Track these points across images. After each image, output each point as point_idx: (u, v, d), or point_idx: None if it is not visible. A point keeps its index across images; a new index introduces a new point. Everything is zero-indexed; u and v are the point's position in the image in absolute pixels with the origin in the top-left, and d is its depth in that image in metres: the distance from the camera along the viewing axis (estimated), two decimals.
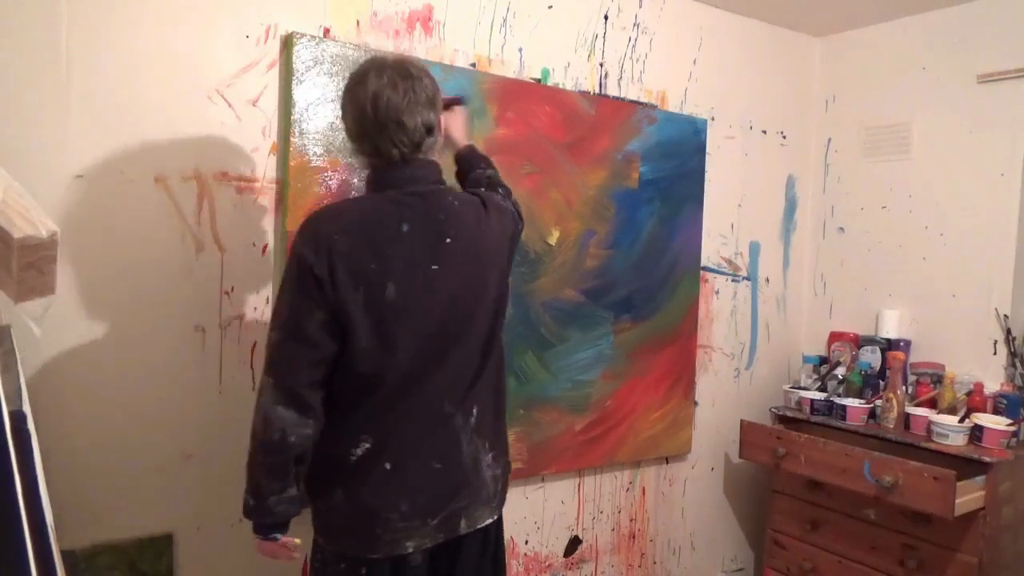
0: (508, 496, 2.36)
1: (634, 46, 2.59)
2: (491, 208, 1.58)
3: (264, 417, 1.41)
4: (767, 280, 3.03)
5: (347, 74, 1.92)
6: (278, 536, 1.50)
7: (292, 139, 1.89)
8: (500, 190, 1.71)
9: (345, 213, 1.47)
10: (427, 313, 1.45)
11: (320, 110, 1.92)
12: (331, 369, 1.43)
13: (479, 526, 1.58)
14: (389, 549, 1.48)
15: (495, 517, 1.63)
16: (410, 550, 1.49)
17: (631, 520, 2.71)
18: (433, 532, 1.51)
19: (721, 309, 2.89)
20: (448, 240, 1.47)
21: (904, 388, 2.56)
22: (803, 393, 2.76)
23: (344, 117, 1.51)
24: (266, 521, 1.46)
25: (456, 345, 1.50)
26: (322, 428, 1.47)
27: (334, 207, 1.53)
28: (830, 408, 2.66)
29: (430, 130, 1.49)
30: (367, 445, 1.46)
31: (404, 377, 1.45)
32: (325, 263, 1.37)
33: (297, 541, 1.52)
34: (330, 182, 1.95)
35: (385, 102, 1.43)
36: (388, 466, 1.47)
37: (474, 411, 1.55)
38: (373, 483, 1.47)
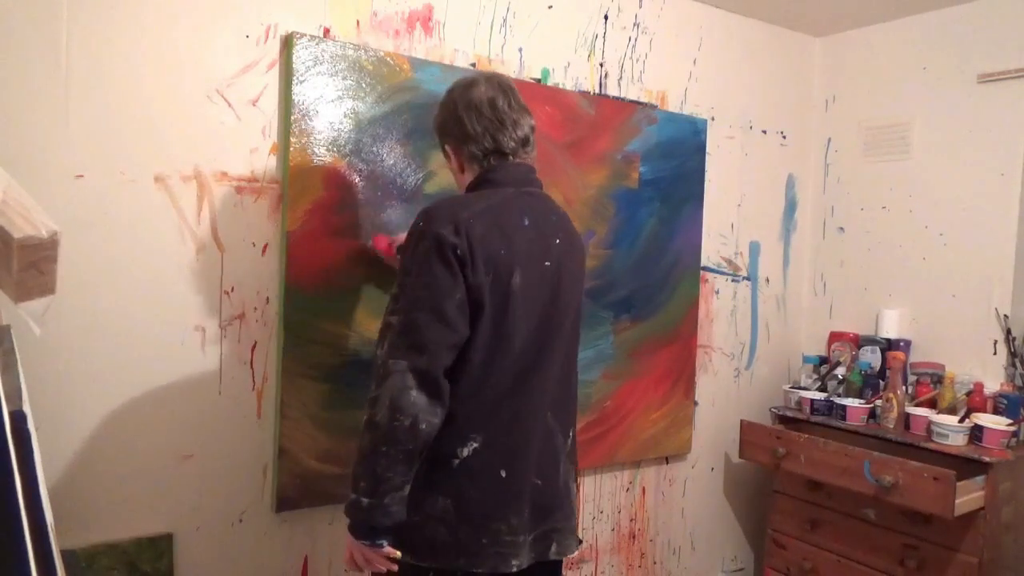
0: None
1: (634, 46, 2.59)
2: (574, 231, 1.65)
3: (393, 403, 1.32)
4: (767, 280, 3.03)
5: (347, 74, 1.95)
6: (384, 543, 1.38)
7: (292, 139, 1.89)
8: None
9: (472, 201, 1.47)
10: (537, 308, 1.47)
11: (320, 110, 1.92)
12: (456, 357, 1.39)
13: (566, 555, 1.54)
14: (494, 564, 1.39)
15: (574, 552, 1.58)
16: (514, 568, 1.42)
17: (631, 520, 2.71)
18: (527, 551, 1.45)
19: (721, 309, 2.89)
20: (558, 241, 1.52)
21: (904, 388, 2.56)
22: (803, 393, 2.76)
23: (449, 119, 1.56)
24: (380, 523, 1.35)
25: (551, 350, 1.50)
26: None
27: (456, 198, 1.54)
28: (830, 408, 2.66)
29: (530, 135, 1.59)
30: (475, 444, 1.41)
31: (514, 373, 1.44)
32: (466, 243, 1.37)
33: (398, 553, 1.40)
34: (330, 182, 1.95)
35: (501, 103, 1.54)
36: (503, 473, 1.42)
37: (571, 434, 1.58)
38: (483, 487, 1.40)
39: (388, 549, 1.39)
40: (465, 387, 1.41)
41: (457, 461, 1.40)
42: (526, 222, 1.48)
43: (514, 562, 1.42)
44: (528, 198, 1.53)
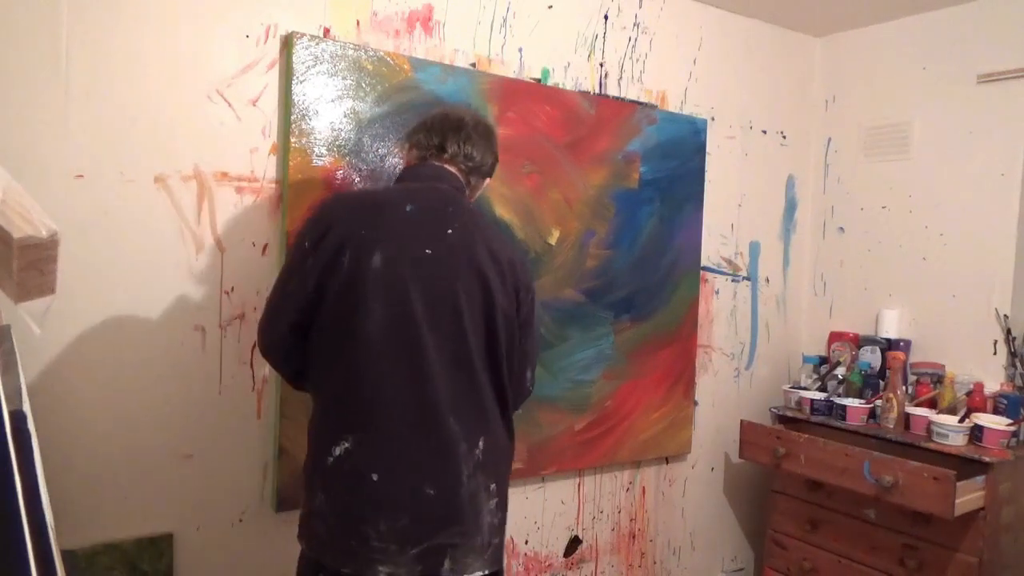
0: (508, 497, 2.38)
1: (634, 46, 2.59)
2: (514, 250, 1.61)
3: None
4: (767, 280, 3.03)
5: (347, 74, 1.95)
6: None
7: (292, 139, 1.89)
8: None
9: (348, 194, 1.57)
10: (410, 295, 1.41)
11: (320, 110, 1.92)
12: (300, 340, 1.48)
13: (465, 575, 1.45)
14: (359, 567, 1.39)
15: (487, 571, 1.49)
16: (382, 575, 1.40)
17: (631, 520, 2.71)
18: (411, 563, 1.40)
19: (721, 309, 2.89)
20: (449, 231, 1.47)
21: (904, 388, 2.56)
22: (803, 393, 2.76)
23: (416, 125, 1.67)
24: None
25: (448, 348, 1.44)
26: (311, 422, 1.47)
27: (351, 190, 1.63)
28: (830, 408, 2.66)
29: (477, 157, 1.60)
30: (347, 445, 1.40)
31: (382, 362, 1.40)
32: (324, 226, 1.45)
33: None
34: (330, 182, 1.95)
35: (460, 115, 1.64)
36: (375, 476, 1.39)
37: (481, 443, 1.47)
38: (353, 490, 1.40)
39: None
40: (332, 377, 1.45)
41: (331, 459, 1.42)
42: (408, 208, 1.47)
43: (381, 569, 1.38)
44: (424, 189, 1.54)
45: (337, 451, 1.41)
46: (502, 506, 1.53)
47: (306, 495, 1.48)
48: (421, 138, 1.62)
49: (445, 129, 1.60)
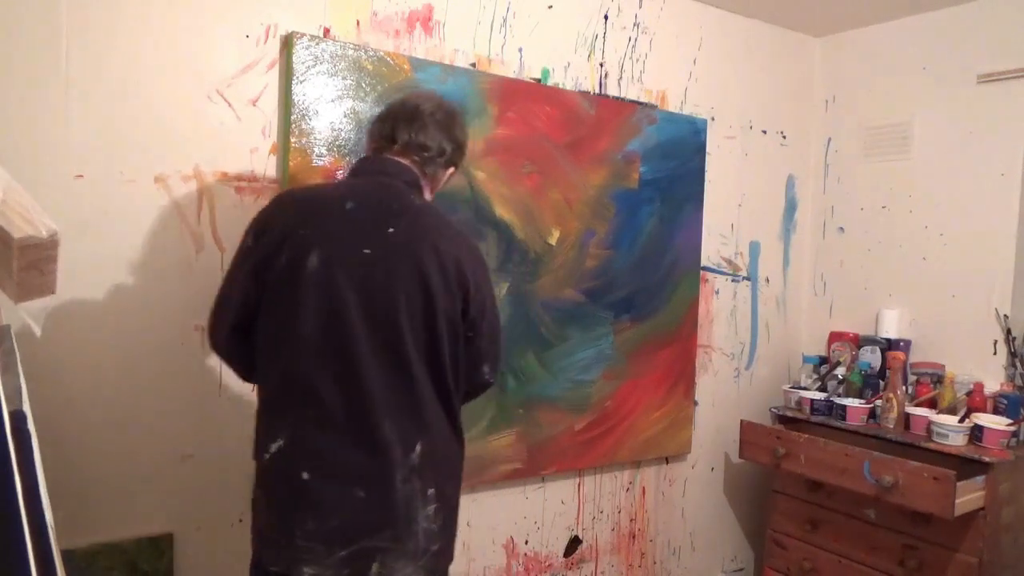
0: (507, 497, 2.38)
1: (634, 46, 2.59)
2: (464, 247, 1.52)
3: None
4: (767, 280, 3.03)
5: (347, 74, 1.95)
6: None
7: (292, 139, 1.89)
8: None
9: (297, 190, 1.57)
10: (346, 297, 1.38)
11: (320, 110, 1.92)
12: (246, 333, 1.47)
13: None
14: (286, 566, 1.37)
15: None
16: None
17: (631, 520, 2.71)
18: (338, 566, 1.36)
19: (721, 309, 2.89)
20: (391, 230, 1.42)
21: (904, 388, 2.56)
22: (803, 393, 2.76)
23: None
24: None
25: (385, 351, 1.40)
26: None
27: (301, 186, 1.62)
28: (830, 408, 2.66)
29: (432, 146, 1.54)
30: (280, 443, 1.39)
31: (316, 363, 1.38)
32: (263, 223, 1.45)
33: None
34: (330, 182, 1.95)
35: (417, 103, 1.57)
36: (306, 475, 1.37)
37: (418, 447, 1.42)
38: (283, 487, 1.39)
39: None
40: (271, 380, 1.44)
41: (267, 456, 1.41)
42: (348, 206, 1.43)
43: (307, 570, 1.36)
44: (367, 185, 1.49)
45: (272, 448, 1.39)
46: (444, 512, 1.48)
47: (253, 495, 1.48)
48: (375, 128, 1.59)
49: (398, 118, 1.54)
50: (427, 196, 1.58)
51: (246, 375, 1.59)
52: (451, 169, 1.63)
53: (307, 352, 1.38)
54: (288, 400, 1.40)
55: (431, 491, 1.44)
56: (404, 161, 1.53)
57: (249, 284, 1.43)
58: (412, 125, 1.53)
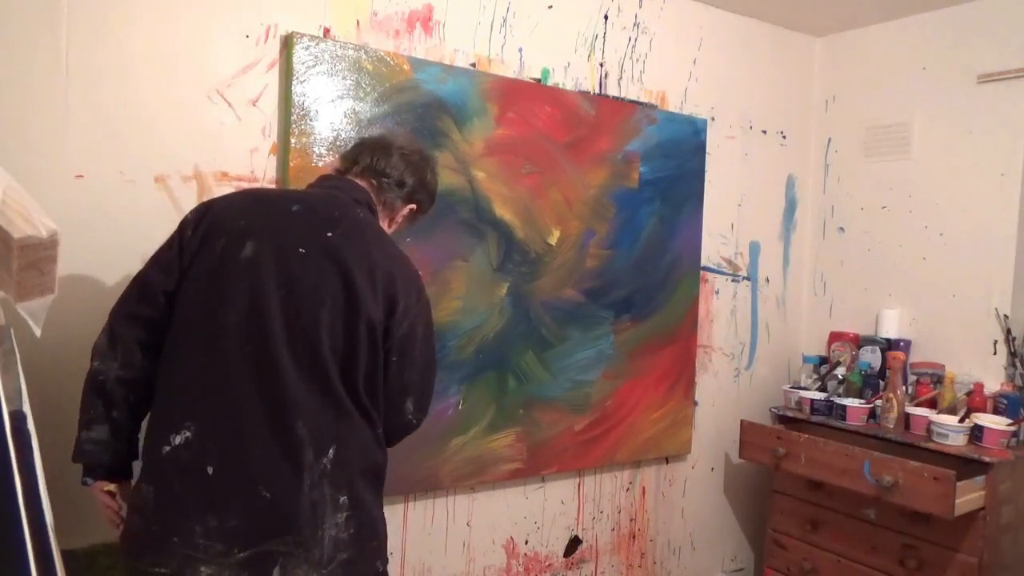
0: (507, 497, 2.38)
1: (634, 46, 2.59)
2: (401, 266, 1.50)
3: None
4: (767, 280, 3.03)
5: (347, 74, 1.95)
6: (89, 481, 1.46)
7: (292, 139, 1.89)
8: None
9: (251, 189, 1.61)
10: (272, 291, 1.37)
11: (320, 110, 1.92)
12: (161, 314, 1.42)
13: None
14: (180, 566, 1.31)
15: None
16: None
17: (631, 520, 2.71)
18: (236, 568, 1.31)
19: (721, 309, 2.89)
20: (329, 234, 1.43)
21: (904, 388, 2.56)
22: (803, 393, 2.76)
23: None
24: (76, 460, 1.44)
25: (303, 352, 1.38)
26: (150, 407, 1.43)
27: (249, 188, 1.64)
28: (830, 408, 2.66)
29: (391, 175, 1.59)
30: (188, 434, 1.34)
31: (232, 359, 1.36)
32: (197, 217, 1.45)
33: (111, 485, 1.46)
34: None
35: (391, 139, 1.65)
36: (210, 470, 1.33)
37: (330, 451, 1.38)
38: (185, 480, 1.33)
39: (97, 484, 1.47)
40: (181, 365, 1.39)
41: (168, 448, 1.35)
42: (294, 208, 1.46)
43: (203, 569, 1.30)
44: (317, 193, 1.54)
45: (177, 440, 1.35)
46: (358, 520, 1.41)
47: (131, 494, 1.41)
48: (342, 154, 1.67)
49: (367, 145, 1.63)
50: (383, 225, 1.60)
51: (125, 362, 1.43)
52: (411, 206, 1.64)
53: (227, 342, 1.36)
54: (198, 391, 1.37)
55: (343, 498, 1.39)
56: (360, 182, 1.58)
57: (174, 269, 1.42)
58: (377, 152, 1.60)
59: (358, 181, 1.58)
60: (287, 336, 1.37)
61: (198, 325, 1.39)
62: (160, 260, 1.45)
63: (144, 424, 1.47)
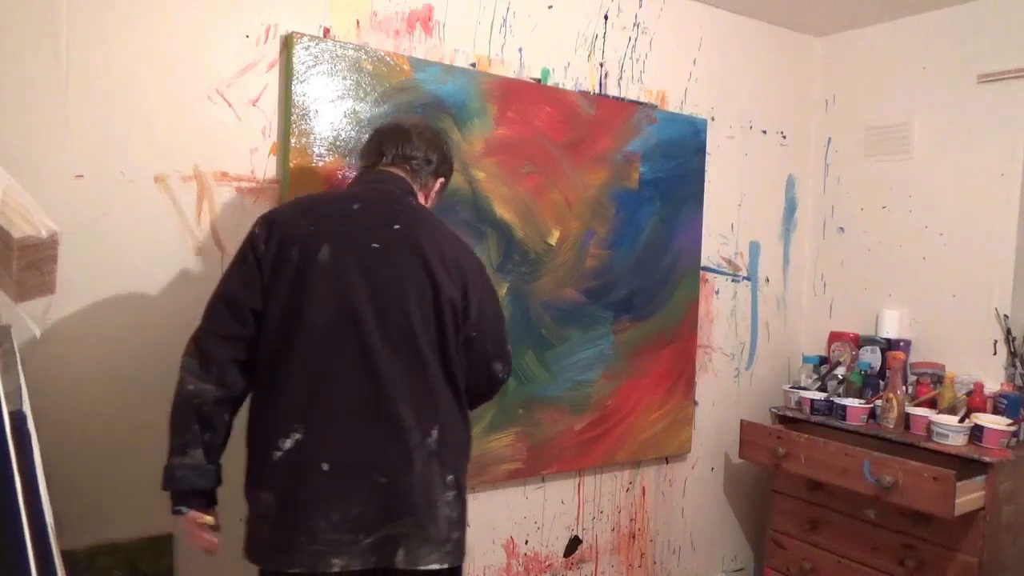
0: (507, 497, 2.38)
1: (634, 46, 2.59)
2: (461, 247, 1.58)
3: (179, 371, 1.45)
4: (767, 280, 3.03)
5: (347, 74, 1.95)
6: (183, 509, 1.43)
7: (292, 139, 1.89)
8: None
9: (302, 197, 1.60)
10: (357, 287, 1.43)
11: (320, 110, 1.92)
12: (252, 330, 1.44)
13: (422, 567, 1.42)
14: (312, 562, 1.36)
15: (446, 565, 1.45)
16: (336, 568, 1.37)
17: (631, 520, 2.71)
18: (365, 553, 1.39)
19: (721, 309, 2.89)
20: (397, 227, 1.49)
21: (904, 388, 2.56)
22: (803, 393, 2.76)
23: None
24: (168, 488, 1.42)
25: (381, 334, 1.43)
26: (250, 410, 1.46)
27: (301, 196, 1.65)
28: (830, 408, 2.66)
29: (419, 156, 1.62)
30: (298, 436, 1.39)
31: (326, 354, 1.41)
32: (267, 230, 1.47)
33: (208, 519, 1.44)
34: (331, 182, 1.95)
35: (400, 122, 1.70)
36: (325, 466, 1.38)
37: (434, 432, 1.45)
38: (303, 483, 1.38)
39: (192, 514, 1.44)
40: (278, 373, 1.42)
41: (279, 454, 1.40)
42: (355, 206, 1.51)
43: (335, 561, 1.36)
44: (369, 189, 1.57)
45: (287, 444, 1.40)
46: (461, 500, 1.50)
47: (249, 506, 1.45)
48: (364, 149, 1.69)
49: (384, 137, 1.65)
50: (423, 203, 1.67)
51: (221, 382, 1.44)
52: (440, 179, 1.71)
53: (321, 342, 1.42)
54: (301, 394, 1.41)
55: (450, 477, 1.47)
56: (396, 171, 1.62)
57: (255, 278, 1.44)
58: (397, 139, 1.63)
59: (392, 170, 1.61)
60: (380, 328, 1.43)
61: (291, 332, 1.42)
62: (240, 276, 1.46)
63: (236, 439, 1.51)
